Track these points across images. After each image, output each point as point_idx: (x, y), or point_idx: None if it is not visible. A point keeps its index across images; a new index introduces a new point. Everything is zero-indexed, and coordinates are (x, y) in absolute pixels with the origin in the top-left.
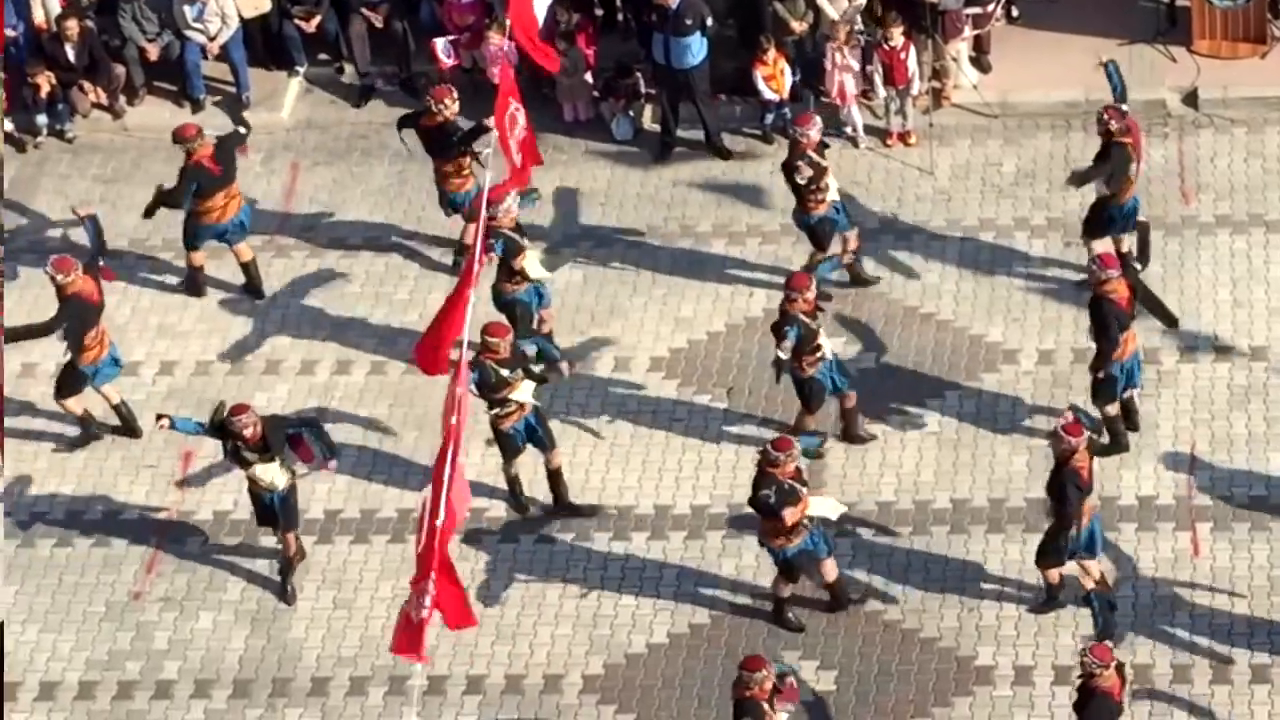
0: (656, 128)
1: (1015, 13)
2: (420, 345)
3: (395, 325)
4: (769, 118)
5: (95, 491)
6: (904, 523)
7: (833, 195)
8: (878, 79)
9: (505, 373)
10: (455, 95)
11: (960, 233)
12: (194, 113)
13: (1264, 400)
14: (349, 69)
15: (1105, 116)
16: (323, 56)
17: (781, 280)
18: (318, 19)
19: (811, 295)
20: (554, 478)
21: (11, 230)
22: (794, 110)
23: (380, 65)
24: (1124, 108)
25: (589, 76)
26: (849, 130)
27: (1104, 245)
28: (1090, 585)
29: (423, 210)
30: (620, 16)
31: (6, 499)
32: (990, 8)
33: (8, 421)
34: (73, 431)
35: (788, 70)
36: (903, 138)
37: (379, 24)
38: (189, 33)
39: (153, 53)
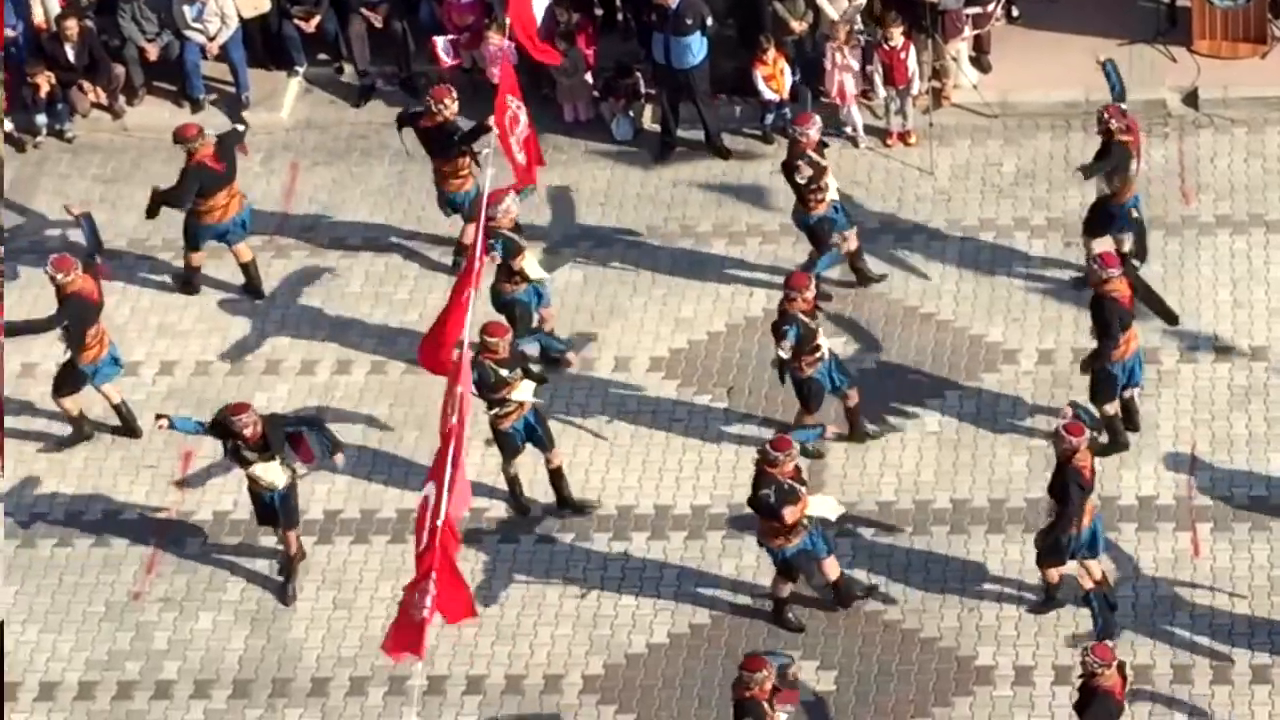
0: (656, 128)
1: (1015, 12)
2: (423, 345)
3: (395, 325)
4: (769, 118)
5: (95, 491)
6: (904, 523)
7: (832, 195)
8: (878, 79)
9: (504, 372)
10: (455, 95)
11: (960, 233)
12: (193, 113)
13: (1264, 400)
14: (348, 69)
15: (1106, 115)
16: (322, 56)
17: (781, 280)
18: (317, 19)
19: (810, 294)
20: (555, 477)
21: (11, 230)
22: (794, 110)
23: (380, 65)
24: (1124, 107)
25: (589, 76)
26: (849, 130)
27: (1104, 245)
28: (1089, 585)
29: (422, 210)
30: (620, 16)
31: (6, 499)
32: (990, 7)
33: (8, 421)
34: (65, 430)
35: (787, 70)
36: (903, 138)
37: (378, 24)
38: (188, 33)
39: (152, 53)
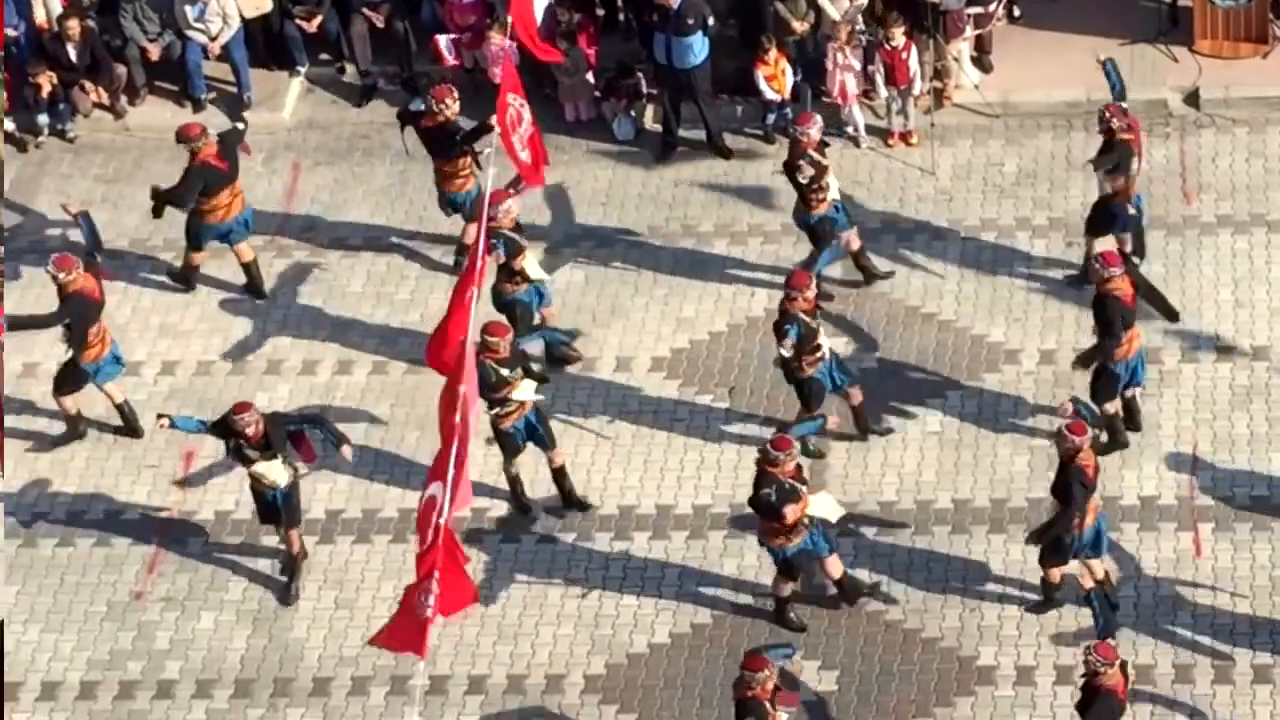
0: (658, 128)
1: (1017, 12)
2: (430, 346)
3: (396, 325)
4: (770, 118)
5: (97, 491)
6: (906, 522)
7: (833, 194)
8: (879, 79)
9: (505, 372)
10: (456, 95)
11: (962, 232)
12: (195, 113)
13: (1266, 400)
14: (350, 69)
15: (1107, 114)
16: (324, 56)
17: (783, 280)
18: (319, 19)
19: (811, 294)
20: (558, 475)
21: (12, 230)
22: (795, 110)
23: (381, 65)
24: (1124, 106)
25: (590, 76)
26: (850, 130)
27: (1106, 244)
28: (1090, 584)
29: (424, 210)
30: (622, 16)
31: (8, 499)
32: (992, 7)
33: (8, 421)
34: (60, 428)
35: (789, 70)
36: (904, 138)
37: (380, 24)
38: (190, 33)
39: (154, 53)
